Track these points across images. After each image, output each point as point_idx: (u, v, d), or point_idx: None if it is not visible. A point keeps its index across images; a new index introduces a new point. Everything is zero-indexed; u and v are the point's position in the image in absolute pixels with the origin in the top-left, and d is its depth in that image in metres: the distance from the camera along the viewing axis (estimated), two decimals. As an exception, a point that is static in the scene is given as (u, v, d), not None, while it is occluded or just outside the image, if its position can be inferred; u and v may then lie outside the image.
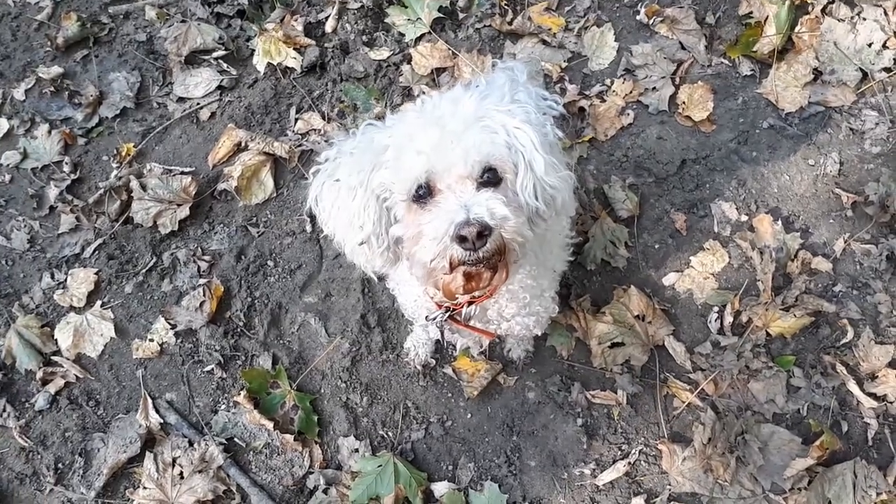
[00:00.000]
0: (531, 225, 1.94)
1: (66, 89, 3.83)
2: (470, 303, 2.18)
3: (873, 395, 2.90)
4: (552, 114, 3.21)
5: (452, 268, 1.78)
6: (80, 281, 3.33)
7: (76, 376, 3.14)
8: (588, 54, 3.76)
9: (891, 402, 2.88)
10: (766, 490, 2.75)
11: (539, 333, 2.69)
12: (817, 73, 3.56)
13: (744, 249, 3.21)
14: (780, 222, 3.24)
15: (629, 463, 2.85)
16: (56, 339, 3.22)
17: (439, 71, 3.75)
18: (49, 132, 3.70)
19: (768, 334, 3.04)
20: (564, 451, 2.90)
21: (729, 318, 3.08)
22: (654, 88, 3.62)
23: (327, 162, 2.00)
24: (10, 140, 3.74)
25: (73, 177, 3.59)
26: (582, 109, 3.60)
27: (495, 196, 1.77)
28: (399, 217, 1.92)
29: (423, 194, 1.83)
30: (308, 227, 3.40)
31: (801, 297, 3.07)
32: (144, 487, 2.87)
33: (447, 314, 2.21)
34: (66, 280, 3.35)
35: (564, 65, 3.73)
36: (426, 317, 2.30)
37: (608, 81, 3.69)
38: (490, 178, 1.83)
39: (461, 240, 1.70)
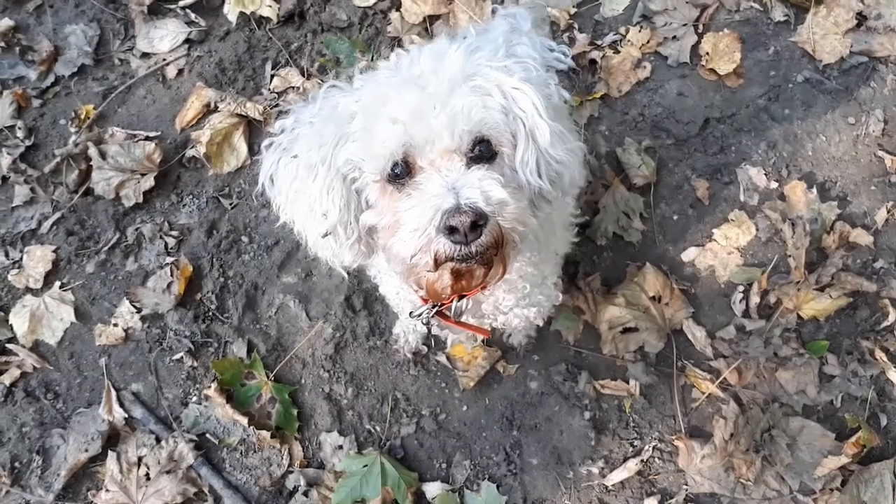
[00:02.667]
0: (533, 209, 1.63)
1: (17, 44, 3.51)
2: (460, 297, 1.87)
3: None
4: (560, 67, 2.89)
5: (438, 264, 1.48)
6: (37, 259, 3.07)
7: (33, 366, 2.91)
8: (600, -2, 3.45)
9: (936, 393, 2.68)
10: (794, 490, 2.59)
11: (541, 324, 2.46)
12: (861, 19, 3.30)
13: (773, 221, 2.98)
14: (814, 190, 3.02)
15: (642, 461, 2.68)
16: (11, 325, 2.97)
17: (433, 19, 3.44)
18: (0, 93, 3.39)
19: (799, 317, 2.85)
20: (570, 447, 2.72)
21: (755, 299, 2.88)
22: (674, 38, 3.36)
23: (283, 133, 1.68)
24: (-44, 103, 3.44)
25: (27, 143, 3.30)
26: (593, 62, 3.34)
27: (490, 175, 1.47)
28: (371, 201, 1.62)
29: (401, 173, 1.52)
30: (286, 198, 3.10)
31: (838, 275, 2.87)
32: (107, 490, 2.65)
33: (434, 310, 1.92)
34: (21, 259, 3.09)
35: (573, 10, 3.46)
36: (410, 313, 2.01)
37: (623, 30, 3.42)
38: (482, 151, 1.53)
39: (450, 231, 1.40)
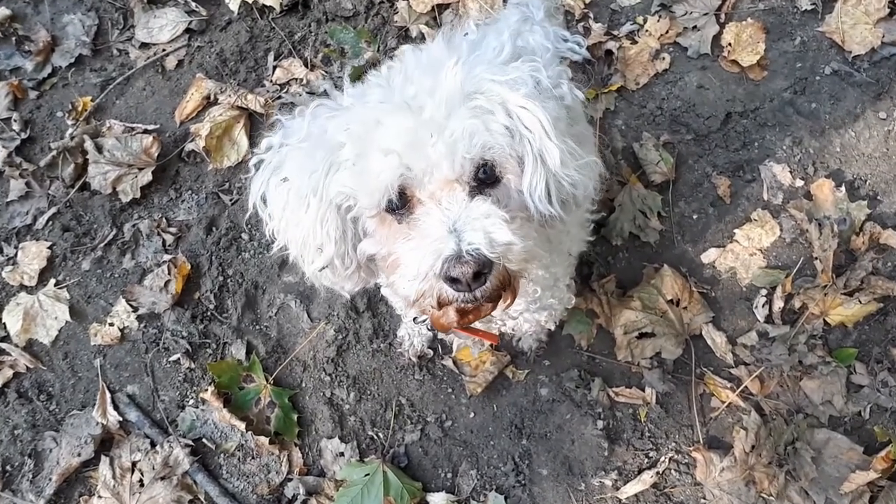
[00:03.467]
0: (544, 227, 1.52)
1: (14, 34, 3.44)
2: None
3: None
4: (574, 58, 2.75)
5: (442, 306, 1.39)
6: (32, 256, 3.00)
7: (26, 366, 2.84)
8: (617, -14, 3.34)
9: (972, 406, 2.55)
10: None
11: (552, 328, 2.35)
12: (894, 7, 3.16)
13: (798, 221, 2.87)
14: (843, 188, 2.91)
15: (657, 473, 2.59)
16: (4, 324, 2.91)
17: (441, 7, 3.34)
18: (-5, 84, 3.33)
19: (826, 323, 2.75)
20: (582, 457, 2.63)
21: (779, 304, 2.79)
22: (694, 27, 3.25)
23: (270, 151, 1.56)
24: (-49, 94, 3.38)
25: (23, 136, 3.23)
26: (609, 53, 3.23)
27: (495, 210, 1.35)
28: (370, 230, 1.51)
29: (398, 207, 1.41)
30: (288, 194, 3.00)
31: (868, 279, 2.76)
32: (99, 496, 2.58)
33: None
34: (15, 255, 3.02)
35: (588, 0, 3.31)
36: (414, 318, 1.90)
37: (640, 19, 3.31)
38: (485, 177, 1.41)
39: (452, 281, 1.31)
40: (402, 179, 1.36)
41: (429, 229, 1.35)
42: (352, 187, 1.42)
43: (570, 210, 1.53)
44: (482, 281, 1.32)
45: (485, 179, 1.41)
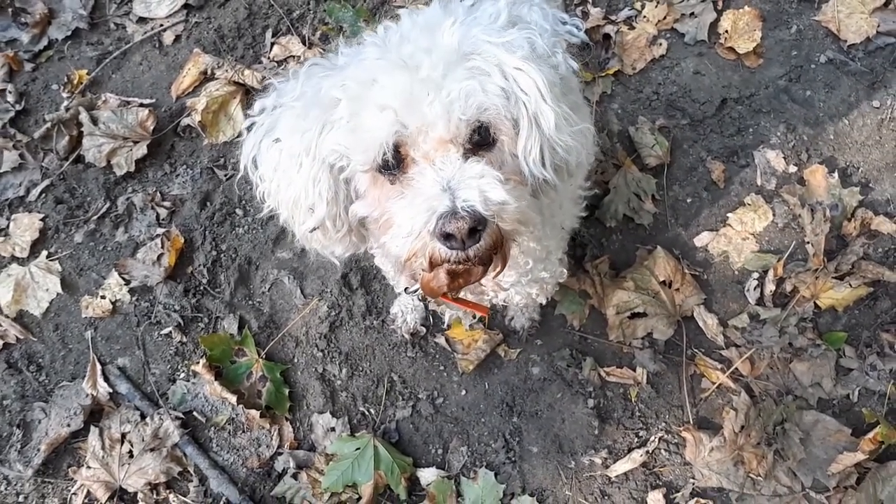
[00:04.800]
0: (537, 194, 1.52)
1: (10, 6, 3.42)
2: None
3: None
4: (572, 41, 2.75)
5: (433, 266, 1.39)
6: (24, 227, 2.98)
7: (16, 336, 2.83)
8: (616, -28, 3.32)
9: (959, 389, 2.60)
10: (807, 487, 2.52)
11: (544, 302, 2.37)
12: None
13: (791, 206, 2.89)
14: (835, 175, 2.93)
15: (647, 452, 2.60)
16: None
17: None
18: (-9, 56, 3.31)
19: (817, 306, 2.76)
20: (572, 435, 2.64)
21: (770, 287, 2.80)
22: (692, 14, 3.26)
23: (263, 113, 1.55)
24: (-54, 65, 3.35)
25: (17, 108, 3.22)
26: (607, 37, 3.23)
27: (489, 170, 1.35)
28: (361, 192, 1.51)
29: (392, 165, 1.40)
30: (284, 171, 2.99)
31: (858, 264, 2.78)
32: (88, 466, 2.57)
33: None
34: (7, 226, 3.00)
35: None
36: (405, 289, 1.90)
37: (638, 5, 3.34)
38: (481, 138, 1.41)
39: (446, 237, 1.31)
40: (397, 136, 1.36)
41: (423, 188, 1.35)
42: (346, 145, 1.42)
43: (563, 177, 1.54)
44: (476, 238, 1.32)
45: (479, 142, 1.41)
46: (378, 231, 1.49)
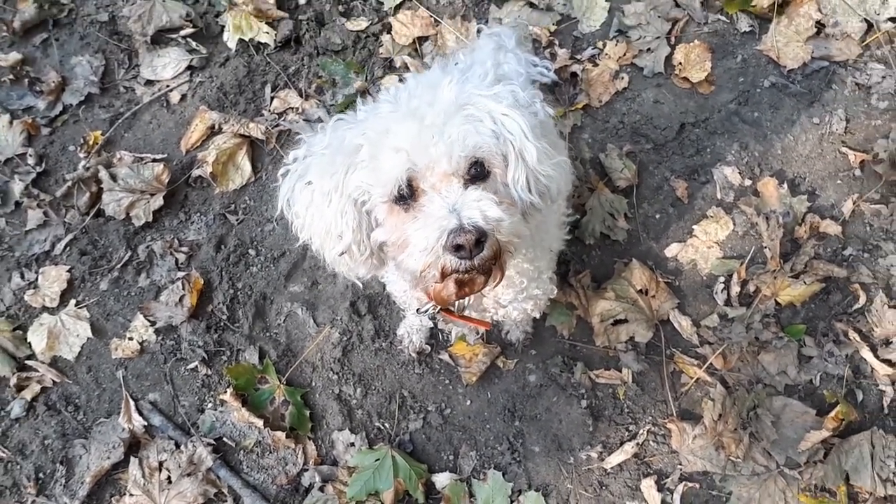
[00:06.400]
0: (526, 219, 1.80)
1: (26, 76, 3.61)
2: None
3: (888, 362, 2.82)
4: (544, 80, 3.06)
5: (444, 276, 1.65)
6: (52, 279, 3.16)
7: (53, 380, 2.99)
8: (578, 16, 3.59)
9: (907, 368, 2.79)
10: (781, 465, 2.68)
11: (538, 316, 2.58)
12: (820, 26, 3.42)
13: (749, 215, 3.09)
14: (785, 185, 3.13)
15: (637, 444, 2.77)
16: (29, 343, 3.05)
17: (422, 40, 3.57)
18: (10, 123, 3.49)
19: (777, 303, 2.95)
20: (569, 434, 2.81)
21: (736, 289, 2.98)
22: (648, 49, 3.47)
23: (296, 162, 1.82)
24: (-31, 133, 3.52)
25: (38, 169, 3.39)
26: (574, 75, 3.45)
27: (486, 195, 1.62)
28: (380, 220, 1.77)
29: (406, 195, 1.67)
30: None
31: (811, 263, 2.97)
32: (130, 494, 2.74)
33: (439, 307, 2.07)
34: (36, 279, 3.18)
35: (553, 28, 3.57)
36: (417, 309, 2.16)
37: (600, 44, 3.54)
38: (477, 172, 1.68)
39: (456, 248, 1.57)
40: (409, 172, 1.62)
41: (433, 211, 1.61)
42: (368, 182, 1.68)
43: (547, 202, 1.80)
44: (480, 248, 1.58)
45: (476, 174, 1.67)
46: (395, 252, 1.74)
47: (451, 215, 1.58)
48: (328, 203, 1.73)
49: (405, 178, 1.64)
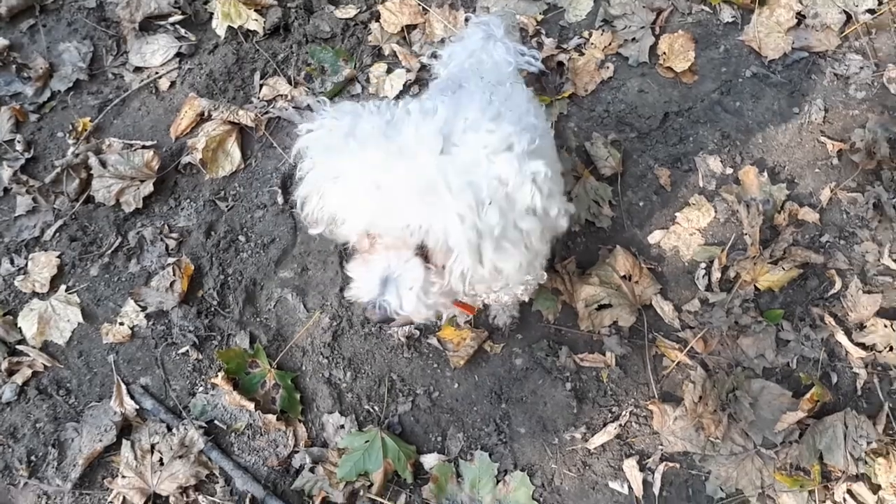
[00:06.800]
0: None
1: (13, 62, 3.58)
2: None
3: (862, 345, 2.91)
4: (531, 70, 3.09)
5: None
6: (42, 265, 3.17)
7: (44, 365, 3.01)
8: (564, 5, 3.64)
9: (879, 351, 2.89)
10: (758, 445, 2.75)
11: (527, 299, 2.64)
12: (800, 18, 3.49)
13: (730, 203, 3.16)
14: (765, 174, 3.20)
15: (620, 425, 2.83)
16: (20, 328, 3.06)
17: (410, 28, 3.60)
18: (-2, 109, 3.48)
19: (756, 289, 3.01)
20: (554, 416, 2.87)
21: (716, 274, 3.04)
22: (633, 39, 3.52)
23: (321, 122, 1.79)
24: (-44, 119, 3.51)
25: (26, 156, 3.39)
26: (560, 64, 3.49)
27: (419, 279, 1.69)
28: None
29: (360, 245, 1.78)
30: (280, 199, 3.26)
31: (789, 250, 3.04)
32: (123, 476, 2.77)
33: None
34: (26, 265, 3.19)
35: (540, 17, 3.61)
36: None
37: (586, 33, 3.58)
38: (425, 247, 1.69)
39: (368, 317, 1.73)
40: (367, 230, 1.68)
41: (370, 271, 1.71)
42: (338, 215, 1.74)
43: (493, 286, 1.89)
44: (388, 322, 1.73)
45: (423, 247, 1.67)
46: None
47: (376, 286, 1.69)
48: (308, 197, 1.80)
49: (364, 233, 1.71)
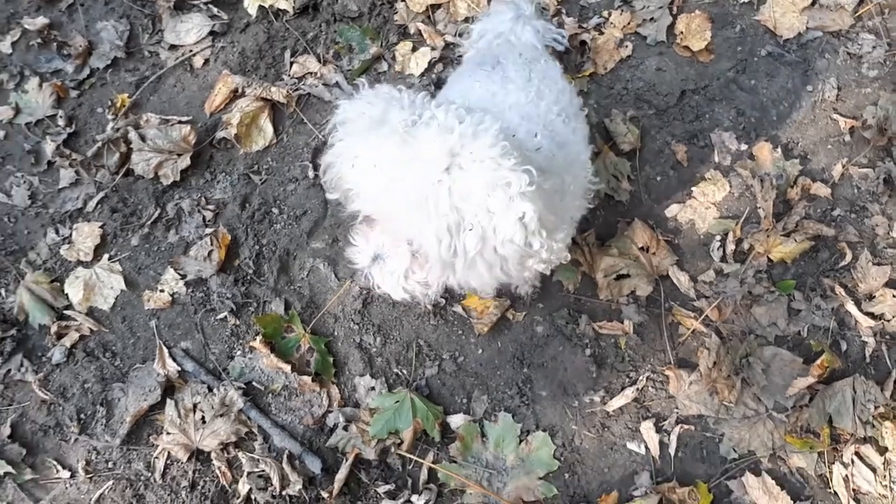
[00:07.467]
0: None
1: (53, 40, 3.71)
2: None
3: (871, 315, 2.99)
4: (559, 48, 3.18)
5: None
6: (86, 235, 3.32)
7: (90, 329, 3.16)
8: (585, -15, 3.71)
9: (888, 320, 2.98)
10: (770, 409, 2.84)
11: (548, 273, 2.74)
12: None
13: (744, 178, 3.24)
14: (779, 150, 3.27)
15: (637, 389, 2.92)
16: (66, 294, 3.21)
17: (434, 7, 3.69)
18: (40, 85, 3.61)
19: (769, 260, 3.09)
20: (574, 380, 2.97)
21: (731, 246, 3.12)
22: (651, 19, 3.58)
23: (362, 95, 1.91)
24: (1, 95, 3.66)
25: (68, 130, 3.52)
26: (583, 43, 3.56)
27: (402, 265, 1.90)
28: None
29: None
30: (311, 173, 3.38)
31: (801, 223, 3.12)
32: (168, 433, 2.93)
33: None
34: (71, 235, 3.33)
35: None
36: None
37: (605, 13, 3.65)
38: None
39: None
40: (370, 215, 1.88)
41: (369, 244, 1.93)
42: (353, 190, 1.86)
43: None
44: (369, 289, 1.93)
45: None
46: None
47: (368, 259, 1.94)
48: (330, 163, 1.93)
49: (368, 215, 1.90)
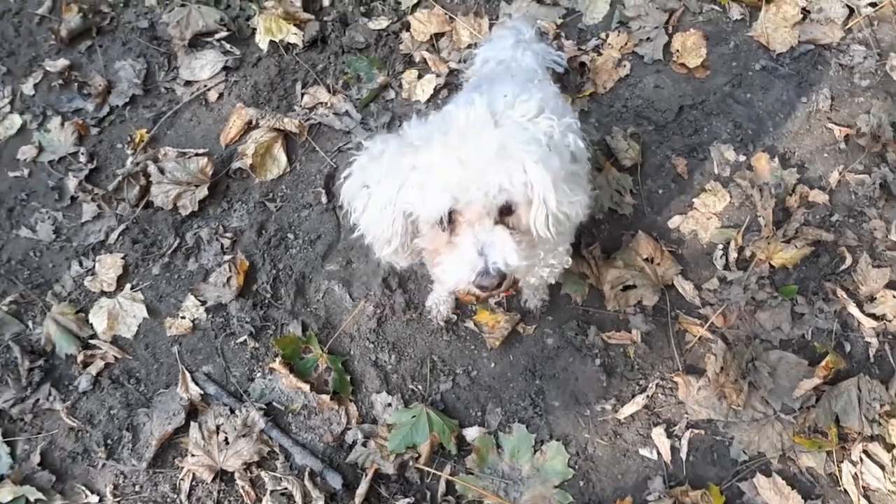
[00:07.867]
0: (538, 245, 2.10)
1: (74, 81, 3.87)
2: None
3: (873, 316, 3.06)
4: (558, 70, 3.31)
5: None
6: (108, 266, 3.43)
7: (115, 357, 3.25)
8: (582, 9, 3.84)
9: (889, 321, 3.04)
10: (777, 411, 2.90)
11: (553, 282, 2.82)
12: (805, 13, 3.67)
13: (744, 188, 3.32)
14: (776, 160, 3.36)
15: (647, 396, 2.98)
16: (91, 324, 3.31)
17: (438, 36, 3.83)
18: (62, 124, 3.75)
19: (771, 266, 3.16)
20: (585, 390, 3.03)
21: (733, 254, 3.20)
22: (648, 39, 3.71)
23: (357, 162, 2.09)
24: (24, 135, 3.80)
25: (90, 166, 3.66)
26: (583, 64, 3.68)
27: (509, 240, 1.92)
28: (423, 231, 2.07)
29: (445, 224, 1.98)
30: (324, 199, 3.50)
31: (801, 229, 3.20)
32: (192, 455, 3.00)
33: None
34: (94, 266, 3.44)
35: (560, 21, 3.81)
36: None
37: (603, 35, 3.77)
38: (505, 209, 1.96)
39: (481, 287, 1.92)
40: (451, 209, 1.92)
41: (465, 247, 1.93)
42: (415, 206, 1.96)
43: (561, 231, 2.09)
44: (500, 286, 1.93)
45: (504, 210, 1.96)
46: (431, 257, 2.09)
47: (479, 258, 1.90)
48: (381, 211, 2.02)
49: (447, 212, 1.93)
